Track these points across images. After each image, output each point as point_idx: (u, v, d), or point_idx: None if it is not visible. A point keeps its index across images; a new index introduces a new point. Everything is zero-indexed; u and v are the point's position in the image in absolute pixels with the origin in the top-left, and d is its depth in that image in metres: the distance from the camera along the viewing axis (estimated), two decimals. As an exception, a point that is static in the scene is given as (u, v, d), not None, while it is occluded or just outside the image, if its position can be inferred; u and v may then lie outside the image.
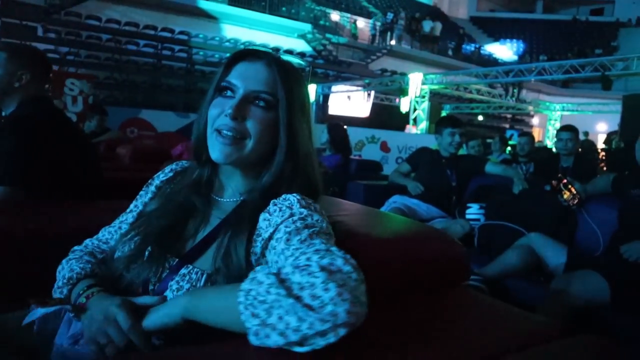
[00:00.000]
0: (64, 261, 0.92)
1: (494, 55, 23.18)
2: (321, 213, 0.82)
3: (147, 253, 0.84)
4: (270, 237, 0.78)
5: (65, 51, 13.20)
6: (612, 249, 2.05)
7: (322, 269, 0.59)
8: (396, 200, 3.21)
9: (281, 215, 0.79)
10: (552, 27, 25.71)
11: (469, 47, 22.70)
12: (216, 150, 0.84)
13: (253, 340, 0.58)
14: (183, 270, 0.80)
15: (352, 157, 5.07)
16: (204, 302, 0.69)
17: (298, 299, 0.57)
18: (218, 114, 0.84)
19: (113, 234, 0.98)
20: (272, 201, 0.83)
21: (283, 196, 0.84)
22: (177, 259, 0.83)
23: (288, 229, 0.76)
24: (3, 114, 1.75)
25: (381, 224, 1.16)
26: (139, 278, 0.82)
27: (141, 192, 1.00)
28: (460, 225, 2.79)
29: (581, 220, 2.46)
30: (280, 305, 0.57)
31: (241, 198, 0.89)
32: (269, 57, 0.87)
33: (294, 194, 0.83)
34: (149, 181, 1.01)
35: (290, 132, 0.85)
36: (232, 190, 0.91)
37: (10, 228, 1.20)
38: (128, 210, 1.00)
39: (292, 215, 0.78)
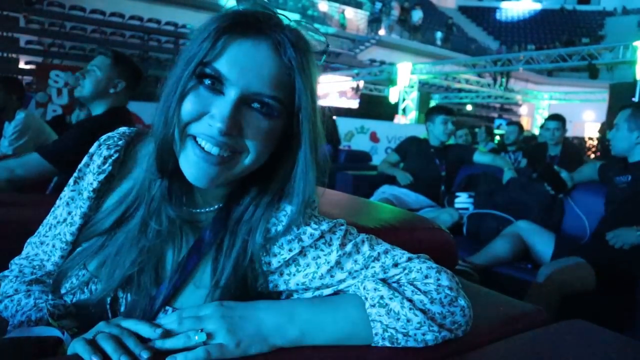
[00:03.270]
0: (5, 299, 0.71)
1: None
2: (315, 205, 0.71)
3: (109, 300, 0.66)
4: (278, 267, 0.67)
5: (49, 42, 12.98)
6: (599, 235, 2.07)
7: (457, 290, 0.65)
8: (385, 190, 3.21)
9: (288, 247, 0.66)
10: (540, 16, 25.83)
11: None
12: (193, 169, 0.60)
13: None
14: (161, 316, 0.64)
15: (341, 147, 5.07)
16: (321, 334, 0.61)
17: (442, 327, 0.62)
18: (197, 115, 0.59)
19: (50, 256, 0.74)
20: (259, 211, 0.67)
21: (275, 206, 0.67)
22: (149, 300, 0.64)
23: (321, 262, 0.65)
24: (92, 113, 1.89)
25: (369, 213, 1.16)
26: None
27: (71, 194, 0.73)
28: (449, 214, 2.80)
29: (568, 208, 2.49)
30: (423, 334, 0.62)
31: (220, 205, 0.69)
32: (281, 36, 0.60)
33: (288, 201, 0.67)
34: (77, 174, 0.74)
35: (314, 152, 0.64)
36: (205, 197, 0.70)
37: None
38: (59, 218, 0.74)
39: (304, 246, 0.65)
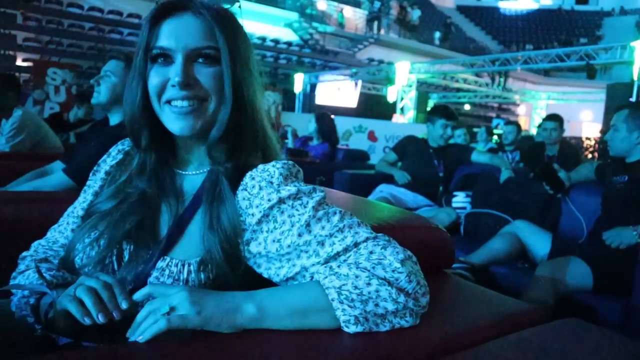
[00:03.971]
0: (18, 276, 0.82)
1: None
2: (300, 175, 0.79)
3: (115, 251, 0.76)
4: (259, 223, 0.72)
5: (47, 40, 12.93)
6: (595, 235, 2.08)
7: (402, 262, 0.67)
8: (383, 189, 3.21)
9: (267, 198, 0.72)
10: (539, 16, 25.87)
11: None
12: (176, 124, 0.75)
13: (346, 328, 0.66)
14: (160, 264, 0.73)
15: (339, 146, 5.07)
16: (280, 307, 0.66)
17: (391, 285, 0.66)
18: (161, 84, 0.75)
19: (63, 232, 0.88)
20: (248, 174, 0.76)
21: (260, 167, 0.76)
22: (150, 252, 0.74)
23: (295, 220, 0.71)
24: (110, 121, 1.89)
25: (366, 211, 1.16)
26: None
27: (89, 182, 0.89)
28: (447, 213, 2.81)
29: (565, 208, 2.49)
30: (377, 291, 0.65)
31: (209, 168, 0.80)
32: (195, 3, 0.76)
33: (272, 163, 0.77)
34: (95, 168, 0.90)
35: (236, 81, 0.76)
36: (197, 161, 0.82)
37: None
38: (76, 203, 0.89)
39: (281, 200, 0.72)
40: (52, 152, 2.91)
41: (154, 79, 0.75)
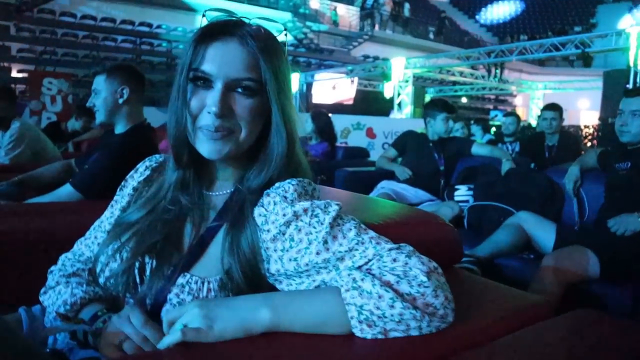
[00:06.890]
0: (50, 290, 0.85)
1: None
2: (317, 194, 0.80)
3: (137, 264, 0.77)
4: (274, 240, 0.72)
5: (41, 50, 12.92)
6: (600, 222, 2.07)
7: (428, 274, 0.65)
8: (384, 185, 3.20)
9: (282, 213, 0.73)
10: (532, 6, 25.84)
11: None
12: (205, 147, 0.76)
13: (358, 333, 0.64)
14: (180, 280, 0.74)
15: (338, 144, 5.05)
16: (296, 318, 0.65)
17: (416, 308, 0.63)
18: (199, 108, 0.75)
19: (90, 246, 0.90)
20: (265, 192, 0.77)
21: (276, 184, 0.77)
22: (171, 268, 0.76)
23: (312, 238, 0.70)
24: (115, 131, 1.91)
25: (371, 209, 1.15)
26: (136, 295, 0.76)
27: (116, 198, 0.91)
28: (450, 207, 2.79)
29: (568, 197, 2.47)
30: (400, 314, 0.62)
31: (232, 189, 0.82)
32: (243, 32, 0.75)
33: (288, 180, 0.77)
34: (123, 183, 0.92)
35: (285, 117, 0.77)
36: (221, 182, 0.84)
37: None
38: (103, 218, 0.91)
39: (296, 216, 0.72)
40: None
41: (193, 102, 0.75)
